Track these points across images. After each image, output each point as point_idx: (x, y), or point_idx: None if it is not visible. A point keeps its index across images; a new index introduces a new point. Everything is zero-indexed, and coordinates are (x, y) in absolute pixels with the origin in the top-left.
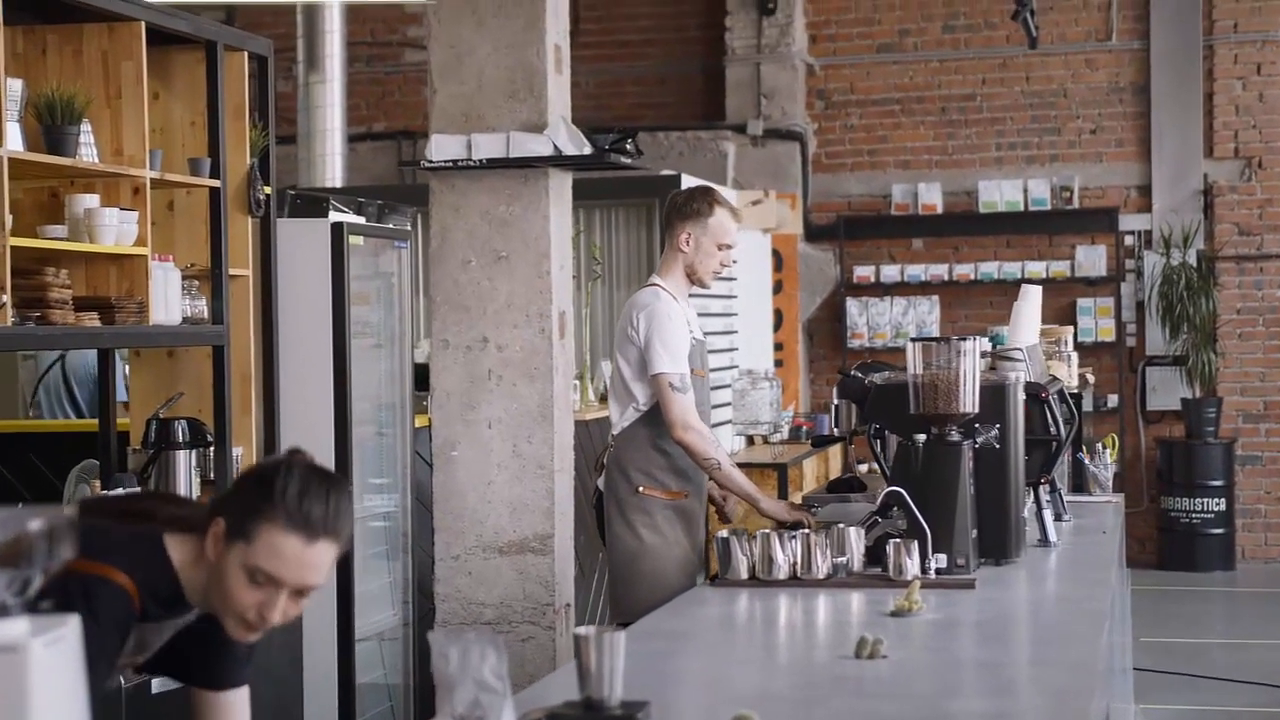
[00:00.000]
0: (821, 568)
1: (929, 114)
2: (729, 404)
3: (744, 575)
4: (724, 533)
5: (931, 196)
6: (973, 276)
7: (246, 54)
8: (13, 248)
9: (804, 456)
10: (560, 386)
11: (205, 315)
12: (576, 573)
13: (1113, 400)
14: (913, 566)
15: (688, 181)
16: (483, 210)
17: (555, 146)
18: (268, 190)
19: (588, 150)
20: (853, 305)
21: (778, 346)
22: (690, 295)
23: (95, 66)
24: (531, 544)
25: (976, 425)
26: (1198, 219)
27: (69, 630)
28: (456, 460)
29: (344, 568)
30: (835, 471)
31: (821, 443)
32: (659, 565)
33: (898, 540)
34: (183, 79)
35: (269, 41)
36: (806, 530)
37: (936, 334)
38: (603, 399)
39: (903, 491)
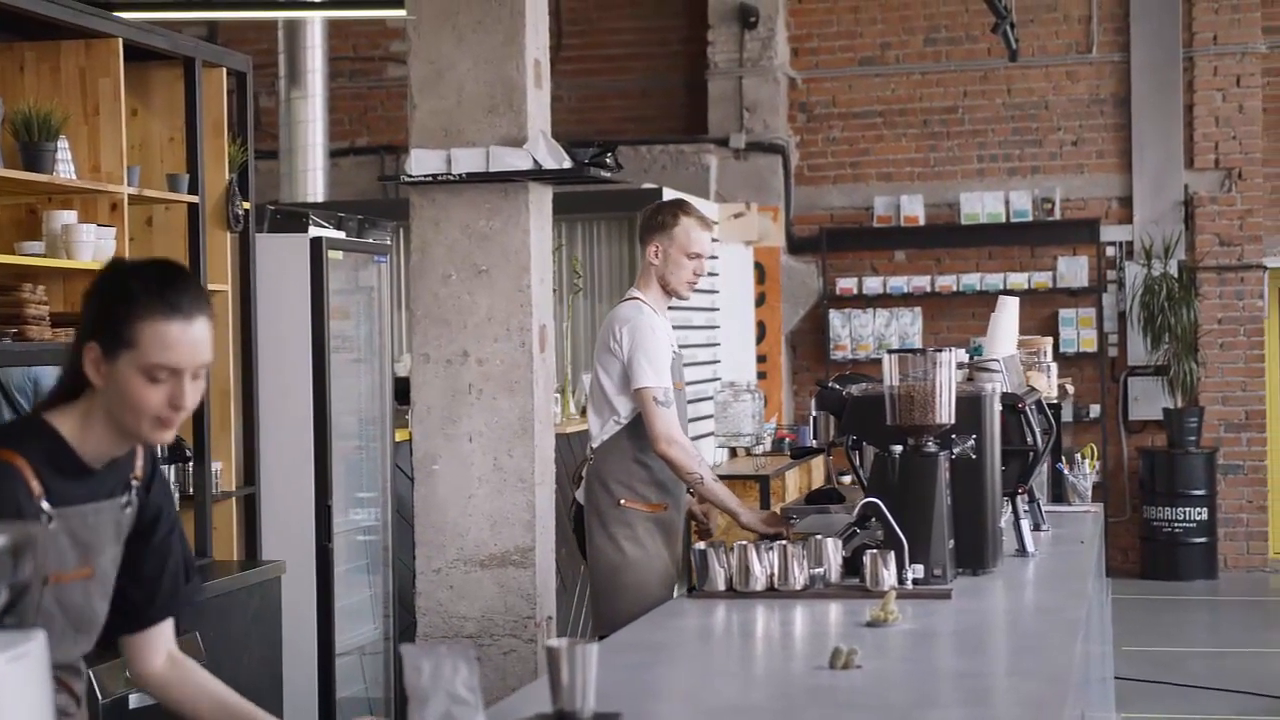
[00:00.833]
0: (799, 579)
1: (911, 126)
2: (711, 416)
3: (721, 587)
4: (701, 544)
5: (914, 208)
6: (955, 288)
7: (225, 70)
8: None
9: (786, 468)
10: (541, 400)
11: None
12: (558, 585)
13: (1095, 410)
14: (889, 577)
15: (669, 195)
16: (463, 224)
17: (535, 161)
18: (247, 206)
19: (567, 164)
20: (835, 317)
21: (760, 358)
22: (670, 308)
23: (73, 83)
24: (513, 557)
25: (953, 436)
26: (1179, 230)
27: (34, 645)
28: (437, 474)
29: (324, 582)
30: (818, 483)
31: (801, 454)
32: (641, 577)
33: (874, 551)
34: (161, 95)
35: (247, 57)
36: (784, 541)
37: (919, 345)
38: (584, 412)
39: (879, 502)
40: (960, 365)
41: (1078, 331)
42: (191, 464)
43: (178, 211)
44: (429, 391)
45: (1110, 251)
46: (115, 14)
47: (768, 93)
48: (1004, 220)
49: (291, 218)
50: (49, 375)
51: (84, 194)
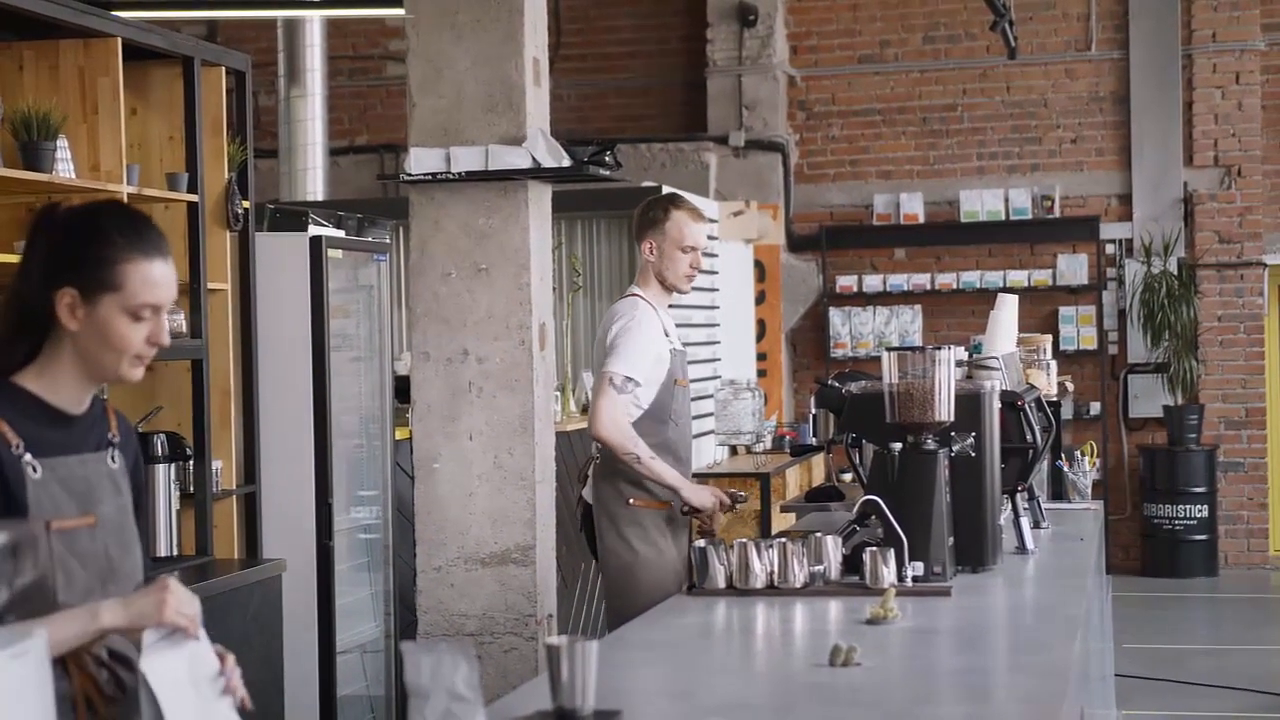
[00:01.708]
0: (799, 576)
1: (910, 124)
2: (711, 414)
3: (721, 584)
4: (701, 542)
5: (913, 206)
6: (955, 286)
7: (224, 69)
8: None
9: (786, 466)
10: (541, 398)
11: (184, 329)
12: (558, 583)
13: (1095, 408)
14: (889, 575)
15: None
16: (462, 223)
17: (534, 159)
18: (246, 205)
19: (567, 163)
20: (835, 315)
21: (761, 356)
22: (670, 305)
23: (72, 82)
24: (513, 555)
25: (952, 434)
26: (1178, 227)
27: (35, 643)
28: (438, 472)
29: (325, 580)
30: (818, 481)
31: (801, 452)
32: (654, 575)
33: (874, 549)
34: (160, 94)
35: (246, 56)
36: (784, 540)
37: (919, 343)
38: (584, 410)
39: (879, 500)
40: (960, 363)
41: (1077, 329)
42: (192, 462)
43: (177, 210)
44: (429, 390)
45: (1110, 249)
46: (114, 13)
47: (767, 91)
48: (1004, 218)
49: (291, 216)
50: None
51: (83, 193)
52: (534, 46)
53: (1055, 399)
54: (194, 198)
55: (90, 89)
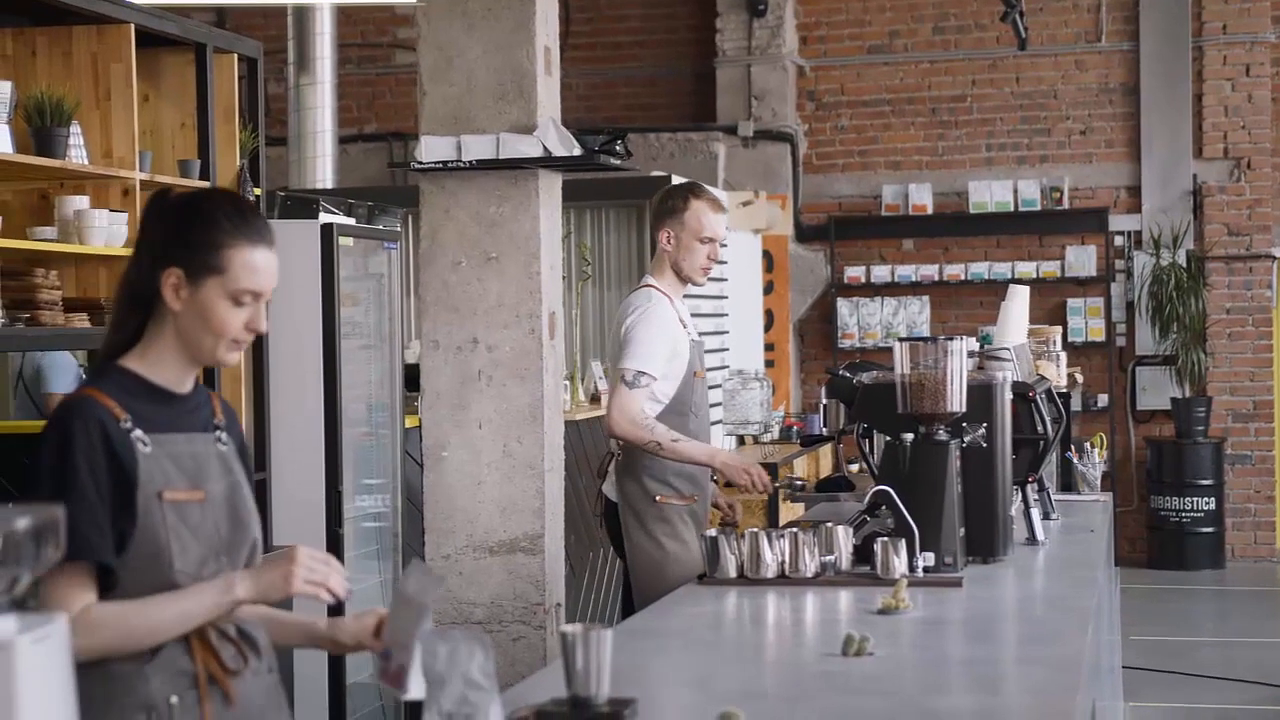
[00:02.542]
0: (810, 566)
1: (919, 115)
2: (719, 404)
3: (732, 574)
4: (712, 531)
5: (922, 197)
6: (963, 277)
7: (236, 56)
8: (2, 249)
9: (794, 456)
10: (550, 387)
11: None
12: (567, 572)
13: (1103, 400)
14: (900, 565)
15: (677, 182)
16: (473, 211)
17: (545, 148)
18: (258, 192)
19: (577, 151)
20: (843, 306)
21: (769, 347)
22: (685, 296)
23: (85, 68)
24: (522, 544)
25: (964, 424)
26: (1187, 219)
27: (56, 628)
28: (447, 461)
29: None
30: (826, 471)
31: (811, 442)
32: (683, 570)
33: (885, 539)
34: (172, 81)
35: (258, 44)
36: (795, 530)
37: (927, 334)
38: (594, 399)
39: (890, 490)
40: (971, 354)
41: (1085, 321)
42: None
43: None
44: (438, 378)
45: (1119, 241)
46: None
47: (776, 81)
48: (1012, 209)
49: (302, 204)
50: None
51: (96, 179)
52: (545, 35)
53: (1065, 390)
54: (206, 184)
55: (103, 75)
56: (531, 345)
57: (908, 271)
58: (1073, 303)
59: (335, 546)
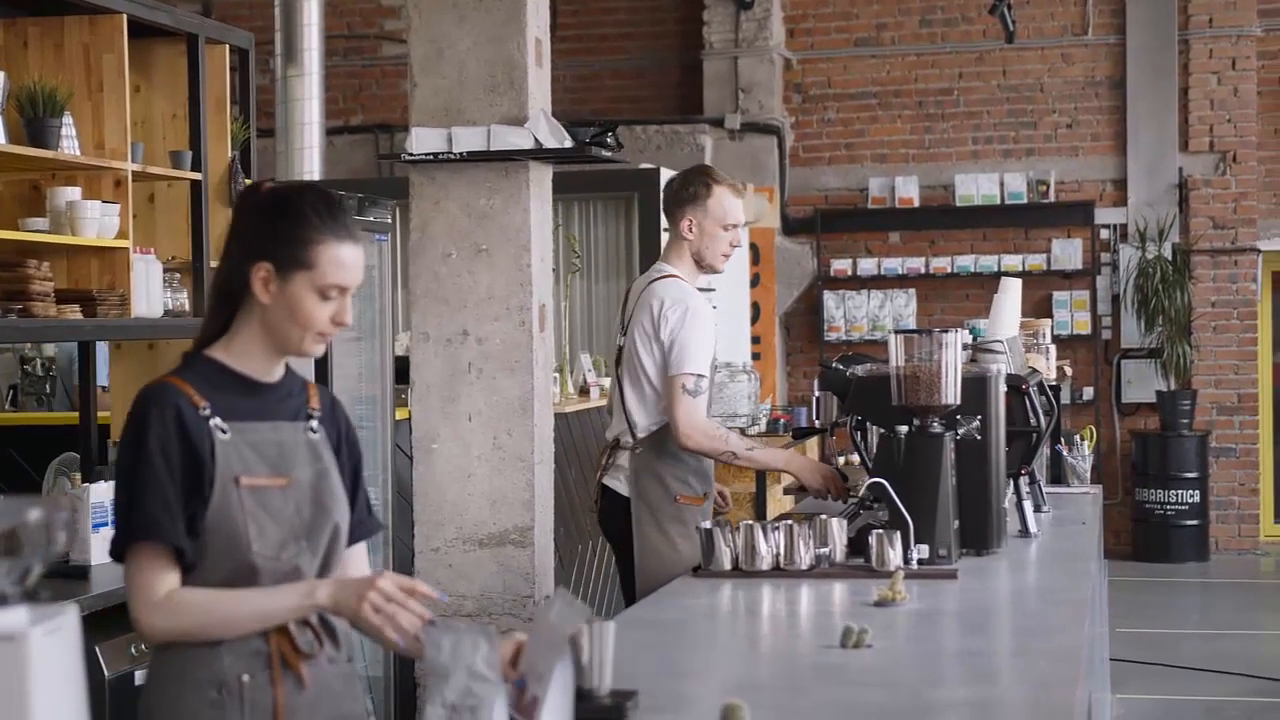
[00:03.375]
0: (804, 559)
1: (906, 108)
2: None
3: (727, 566)
4: (707, 524)
5: (908, 190)
6: (949, 270)
7: (228, 47)
8: None
9: (782, 449)
10: (541, 379)
11: (187, 308)
12: (555, 565)
13: (1088, 393)
14: (895, 557)
15: (667, 175)
16: (463, 203)
17: (536, 140)
18: (249, 182)
19: (568, 143)
20: (830, 298)
21: (755, 339)
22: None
23: (77, 59)
24: (512, 536)
25: (958, 417)
26: (1173, 212)
27: (67, 619)
28: (436, 453)
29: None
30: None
31: (802, 434)
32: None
33: (881, 531)
34: (163, 72)
35: (250, 34)
36: (790, 522)
37: (913, 327)
38: (583, 391)
39: (885, 483)
40: (964, 346)
41: (1071, 314)
42: None
43: (179, 189)
44: (428, 370)
45: (1104, 234)
46: None
47: (763, 73)
48: (999, 202)
49: None
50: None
51: (87, 170)
52: (536, 27)
53: (1055, 383)
54: (197, 176)
55: (95, 66)
56: (522, 338)
57: (894, 264)
58: (1058, 296)
59: None
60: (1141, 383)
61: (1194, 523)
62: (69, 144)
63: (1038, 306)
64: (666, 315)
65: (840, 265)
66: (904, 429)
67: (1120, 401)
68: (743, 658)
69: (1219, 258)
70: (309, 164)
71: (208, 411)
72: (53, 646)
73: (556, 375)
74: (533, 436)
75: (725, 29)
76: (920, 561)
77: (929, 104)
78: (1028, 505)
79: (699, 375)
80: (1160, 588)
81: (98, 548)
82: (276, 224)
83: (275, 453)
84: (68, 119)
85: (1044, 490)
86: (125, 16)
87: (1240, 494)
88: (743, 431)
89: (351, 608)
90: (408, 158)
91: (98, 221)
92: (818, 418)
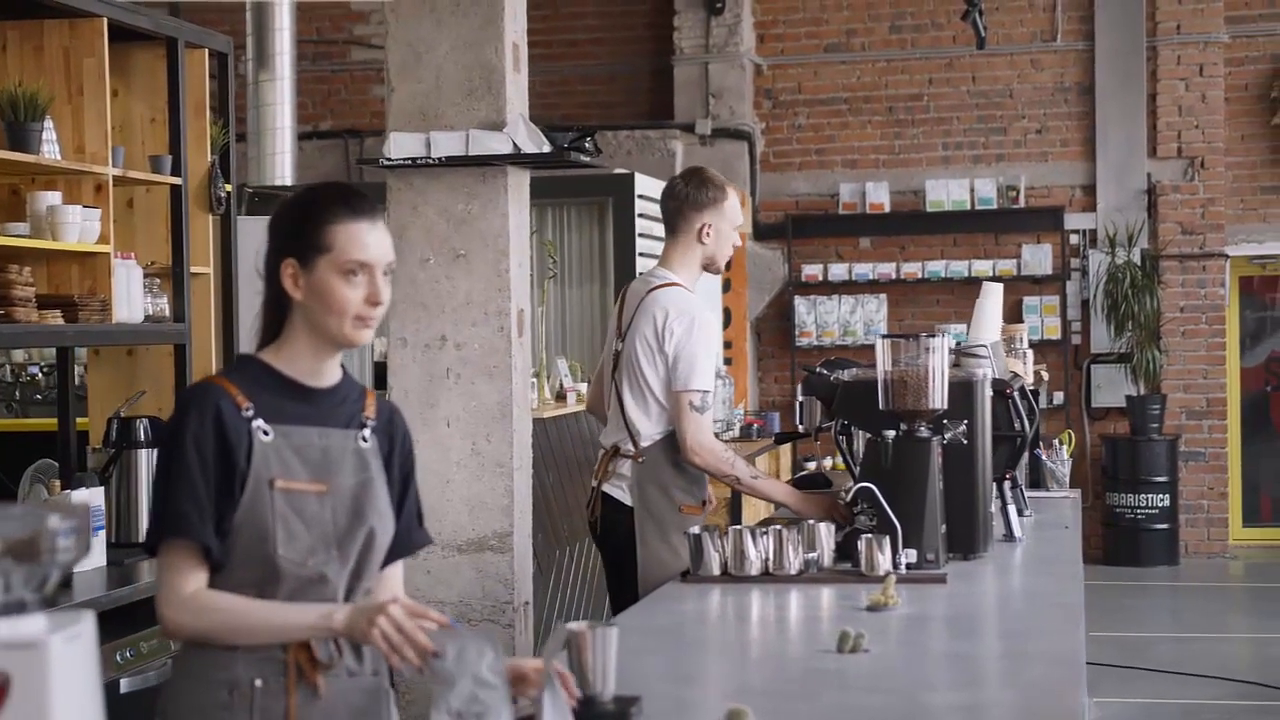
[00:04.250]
0: (793, 564)
1: (876, 114)
2: None
3: (716, 571)
4: (696, 529)
5: (879, 196)
6: (920, 275)
7: (207, 51)
8: None
9: (757, 454)
10: (519, 384)
11: (167, 313)
12: (534, 570)
13: (1058, 398)
14: (884, 562)
15: (641, 180)
16: (441, 208)
17: (515, 145)
18: (229, 188)
19: (547, 148)
20: (801, 304)
21: (726, 345)
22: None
23: (56, 63)
24: (490, 542)
25: (944, 421)
26: (1141, 218)
27: (85, 626)
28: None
29: None
30: (786, 467)
31: (784, 439)
32: None
33: (870, 536)
34: (142, 76)
35: (229, 38)
36: (779, 527)
37: (884, 332)
38: (559, 397)
39: (873, 487)
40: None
41: (1041, 319)
42: None
43: (157, 194)
44: (406, 375)
45: (1074, 239)
46: None
47: (734, 79)
48: (969, 208)
49: (269, 200)
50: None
51: (67, 175)
52: (514, 31)
53: (1034, 388)
54: (177, 180)
55: (75, 70)
56: (500, 343)
57: (865, 270)
58: (1029, 301)
59: None
60: (1111, 387)
61: (1164, 527)
62: (50, 148)
63: (1009, 312)
64: (672, 327)
65: (811, 270)
66: (891, 433)
67: (1090, 406)
68: (740, 663)
69: (1187, 263)
70: (281, 169)
71: (251, 412)
72: (72, 654)
73: (534, 380)
74: (511, 442)
75: (696, 34)
76: (908, 566)
77: (899, 110)
78: (1012, 510)
79: (705, 392)
80: (1131, 591)
81: None
82: (293, 220)
83: (319, 458)
84: (49, 123)
85: (1025, 494)
86: (106, 20)
87: (1209, 498)
88: (717, 437)
89: (362, 632)
90: (385, 162)
91: (79, 226)
92: (801, 423)
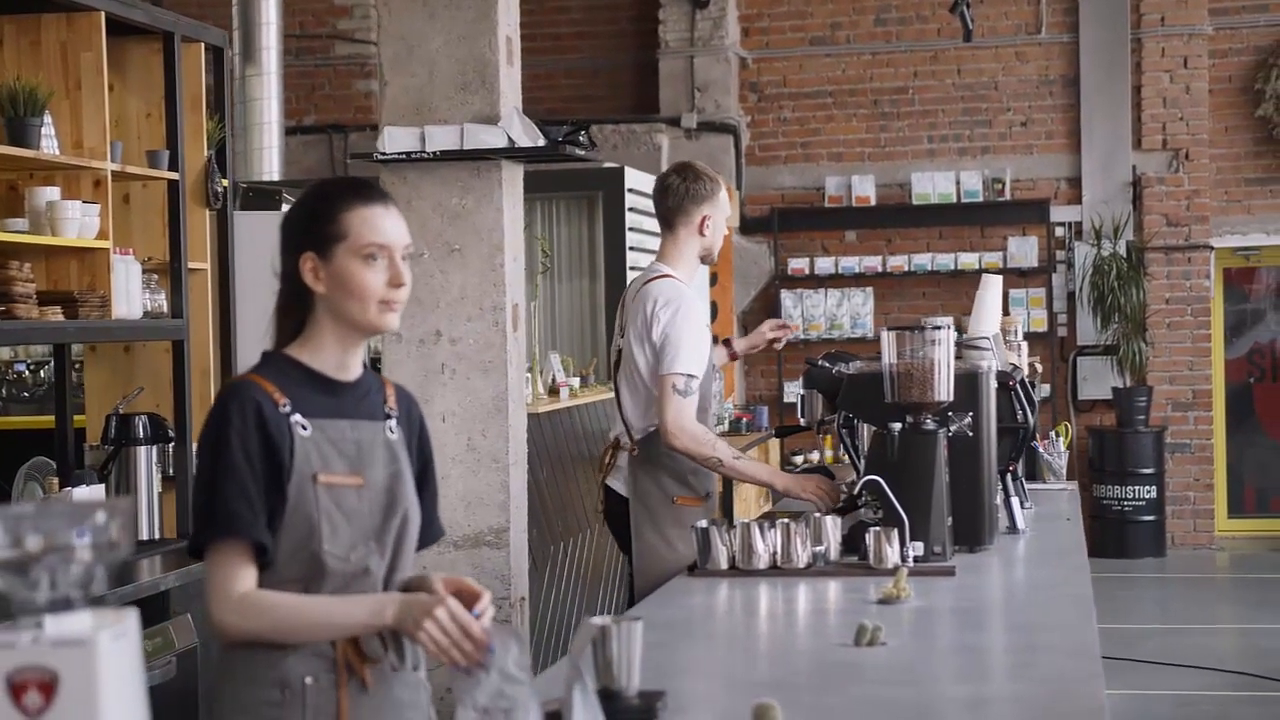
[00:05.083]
0: (801, 557)
1: (861, 107)
2: None
3: (724, 565)
4: (703, 523)
5: (865, 189)
6: (906, 268)
7: (203, 45)
8: None
9: (749, 447)
10: (514, 379)
11: (165, 309)
12: (530, 566)
13: (1045, 390)
14: (893, 555)
15: (631, 174)
16: (435, 203)
17: (509, 138)
18: (225, 183)
19: (542, 142)
20: (787, 297)
21: (713, 339)
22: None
23: (54, 57)
24: (486, 538)
25: (949, 413)
26: (1127, 210)
27: (129, 624)
28: None
29: None
30: (774, 461)
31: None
32: None
33: (878, 529)
34: (138, 70)
35: (224, 33)
36: (786, 521)
37: (870, 325)
38: (553, 392)
39: (880, 480)
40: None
41: (1028, 311)
42: (173, 444)
43: (154, 189)
44: (401, 371)
45: (1059, 232)
46: None
47: (719, 72)
48: (954, 200)
49: (264, 195)
50: None
51: (66, 170)
52: (507, 25)
53: (1031, 379)
54: (175, 175)
55: (73, 64)
56: (495, 338)
57: (851, 263)
58: (1015, 293)
59: None
60: (1097, 379)
61: (1150, 518)
62: (49, 143)
63: None
64: (659, 315)
65: (797, 264)
66: (897, 426)
67: (1076, 398)
68: (757, 656)
69: (1173, 255)
70: (268, 164)
71: (288, 408)
72: (119, 651)
73: (528, 376)
74: (507, 437)
75: (681, 28)
76: (916, 559)
77: (884, 103)
78: (1015, 502)
79: (689, 375)
80: (1118, 583)
81: None
82: (307, 214)
83: (354, 451)
84: (48, 118)
85: (1025, 487)
86: (104, 14)
87: (1196, 489)
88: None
89: (410, 630)
90: (379, 157)
91: (78, 222)
92: (803, 416)
